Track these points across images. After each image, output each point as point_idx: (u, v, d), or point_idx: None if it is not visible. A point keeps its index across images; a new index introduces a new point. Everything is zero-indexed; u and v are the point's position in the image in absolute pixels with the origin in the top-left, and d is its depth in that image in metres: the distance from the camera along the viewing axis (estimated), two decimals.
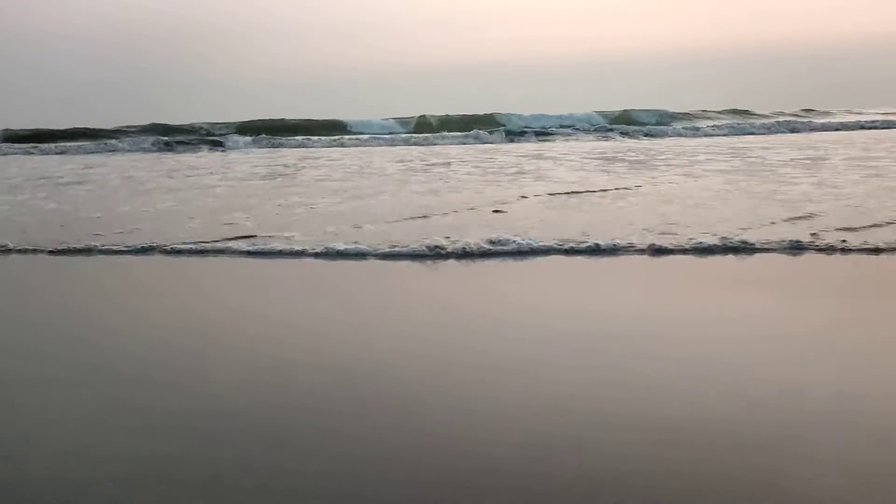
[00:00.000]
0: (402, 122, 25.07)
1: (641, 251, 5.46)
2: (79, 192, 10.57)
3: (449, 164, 13.48)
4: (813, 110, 25.61)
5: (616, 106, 24.08)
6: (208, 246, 6.12)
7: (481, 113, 24.48)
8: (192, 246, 6.15)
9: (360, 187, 10.08)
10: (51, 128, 23.08)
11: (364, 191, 9.65)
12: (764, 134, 19.70)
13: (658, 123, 22.19)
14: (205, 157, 17.38)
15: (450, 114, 25.14)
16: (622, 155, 14.32)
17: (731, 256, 5.29)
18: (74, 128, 22.79)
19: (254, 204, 8.58)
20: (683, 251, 5.41)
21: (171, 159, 16.87)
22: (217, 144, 20.42)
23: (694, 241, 5.57)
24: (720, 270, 5.05)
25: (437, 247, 5.74)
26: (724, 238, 5.55)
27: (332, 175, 12.02)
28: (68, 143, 20.39)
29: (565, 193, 8.44)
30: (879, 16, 48.25)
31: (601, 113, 23.58)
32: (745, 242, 5.46)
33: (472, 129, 22.02)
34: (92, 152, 19.62)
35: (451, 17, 56.32)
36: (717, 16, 52.91)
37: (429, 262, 5.45)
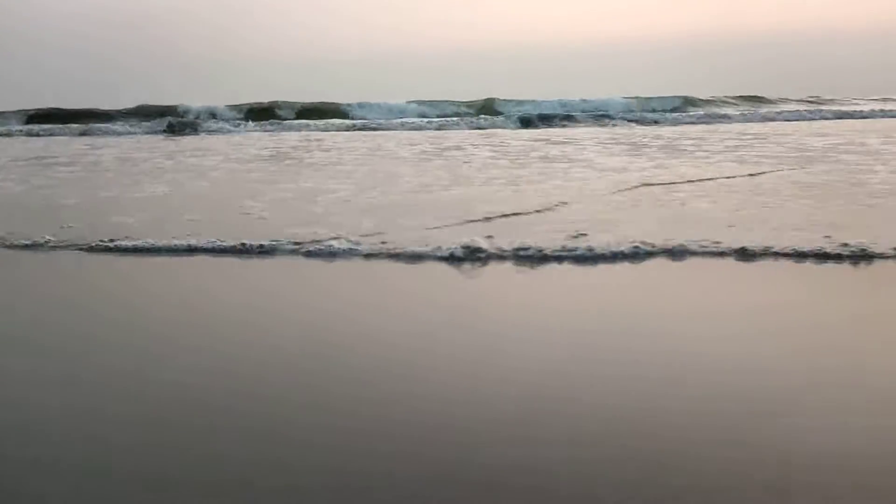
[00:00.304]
0: (404, 107, 23.62)
1: (726, 254, 4.27)
2: (62, 175, 9.19)
3: (464, 149, 12.13)
4: (817, 97, 24.28)
5: (620, 93, 22.64)
6: (204, 243, 4.81)
7: (482, 98, 23.05)
8: (193, 242, 4.83)
9: (376, 174, 8.76)
10: (62, 108, 21.53)
11: (381, 178, 8.33)
12: (788, 121, 18.39)
13: (677, 110, 20.77)
14: (206, 140, 15.96)
15: (449, 99, 23.73)
16: (648, 141, 12.99)
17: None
18: (94, 109, 21.30)
19: (263, 191, 7.25)
20: (775, 255, 4.20)
21: (171, 142, 15.41)
22: (218, 127, 18.90)
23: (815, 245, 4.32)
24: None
25: (476, 249, 4.49)
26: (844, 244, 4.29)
27: (343, 159, 10.66)
28: (79, 126, 18.79)
29: (633, 188, 7.09)
30: (879, 8, 47.03)
31: (608, 100, 22.15)
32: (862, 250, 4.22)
33: (474, 116, 20.70)
34: (100, 135, 17.99)
35: (450, 2, 54.50)
36: (719, 7, 51.52)
37: (465, 266, 4.26)
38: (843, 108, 20.94)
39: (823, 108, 21.36)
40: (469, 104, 22.93)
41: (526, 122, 19.23)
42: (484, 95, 23.51)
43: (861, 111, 20.44)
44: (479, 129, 18.39)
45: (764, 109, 21.25)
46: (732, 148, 10.82)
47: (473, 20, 50.26)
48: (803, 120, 18.77)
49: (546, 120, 19.61)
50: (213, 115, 20.99)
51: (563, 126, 18.58)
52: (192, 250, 4.72)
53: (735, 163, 8.74)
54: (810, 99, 23.75)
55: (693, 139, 12.82)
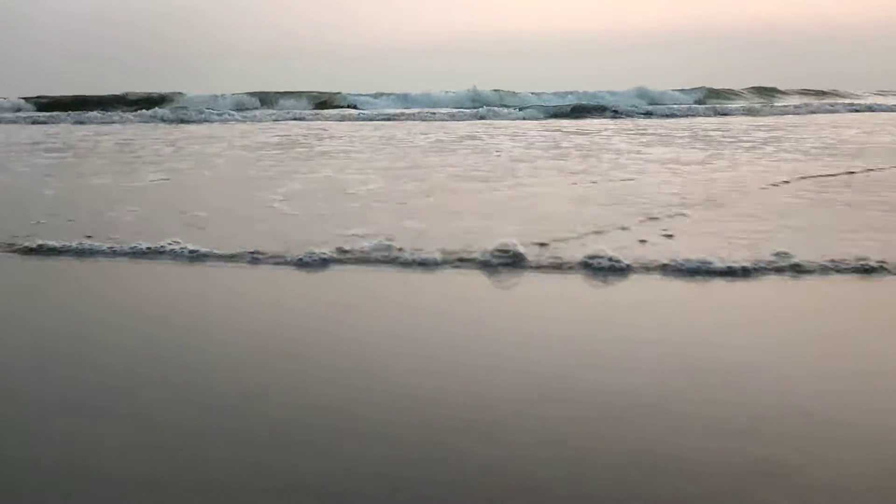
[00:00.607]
0: (400, 97, 22.42)
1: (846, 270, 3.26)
2: (48, 162, 8.02)
3: (481, 138, 11.00)
4: (821, 91, 23.21)
5: (631, 84, 21.44)
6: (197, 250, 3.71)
7: (491, 89, 21.85)
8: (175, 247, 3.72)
9: (399, 163, 7.64)
10: (69, 95, 20.23)
11: (408, 168, 7.21)
12: (796, 114, 17.25)
13: (700, 102, 19.58)
14: (209, 128, 14.77)
15: (449, 90, 22.52)
16: (675, 132, 11.88)
17: None
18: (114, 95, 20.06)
19: (281, 182, 6.12)
20: None
21: (173, 129, 14.20)
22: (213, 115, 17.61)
23: None
24: None
25: (514, 253, 3.46)
26: None
27: (357, 147, 9.50)
28: (83, 113, 17.42)
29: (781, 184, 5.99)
30: (879, 6, 45.93)
31: (614, 92, 20.97)
32: None
33: (481, 107, 19.58)
34: (105, 122, 16.50)
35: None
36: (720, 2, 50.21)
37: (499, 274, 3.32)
38: (852, 102, 19.89)
39: (832, 101, 20.29)
40: (470, 95, 21.76)
41: (547, 113, 18.04)
42: (489, 87, 22.39)
43: (871, 105, 19.46)
44: (482, 118, 17.17)
45: (780, 102, 20.16)
46: (774, 140, 9.74)
47: (474, 14, 48.98)
48: (812, 113, 17.72)
49: (556, 112, 18.44)
50: (208, 105, 19.73)
51: (581, 118, 17.38)
52: (157, 253, 3.59)
53: (798, 154, 7.66)
54: (817, 91, 22.64)
55: (722, 131, 11.75)
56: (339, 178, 6.27)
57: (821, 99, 20.93)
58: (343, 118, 17.73)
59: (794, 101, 20.43)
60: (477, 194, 5.38)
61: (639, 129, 12.45)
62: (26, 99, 19.94)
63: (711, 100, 20.13)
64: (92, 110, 17.78)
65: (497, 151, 8.58)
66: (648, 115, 17.53)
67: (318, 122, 16.72)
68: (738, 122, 14.30)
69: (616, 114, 17.88)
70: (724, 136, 10.45)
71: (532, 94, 21.80)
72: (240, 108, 19.43)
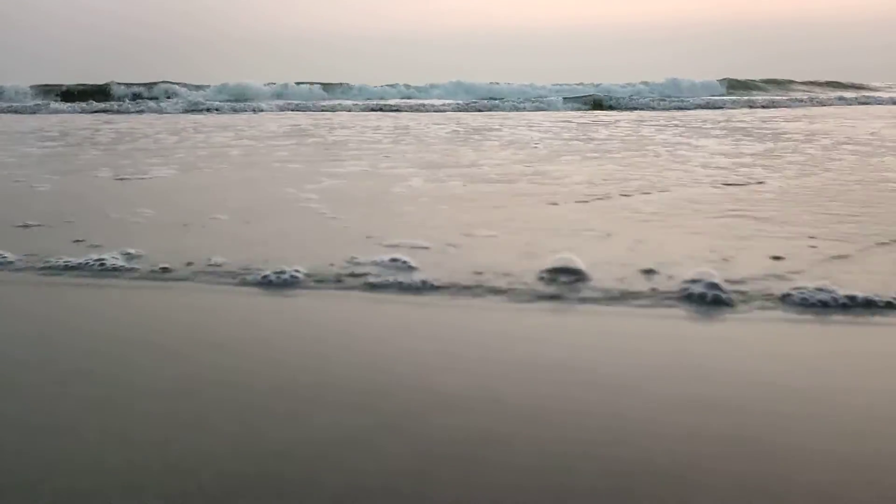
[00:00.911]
0: (402, 88, 21.64)
1: None
2: (35, 152, 7.16)
3: (499, 129, 10.18)
4: (837, 82, 22.44)
5: (633, 78, 20.65)
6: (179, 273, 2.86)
7: (495, 82, 21.09)
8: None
9: (431, 155, 6.81)
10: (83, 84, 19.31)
11: (446, 161, 6.38)
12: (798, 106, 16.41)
13: (722, 95, 18.77)
14: (209, 117, 13.90)
15: (452, 81, 21.76)
16: (691, 123, 11.08)
17: None
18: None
19: (308, 178, 5.28)
20: None
21: (177, 119, 13.30)
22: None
23: None
24: None
25: (564, 268, 2.66)
26: None
27: (373, 137, 8.65)
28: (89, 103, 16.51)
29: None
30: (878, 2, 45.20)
31: (619, 84, 20.18)
32: None
33: (488, 98, 18.80)
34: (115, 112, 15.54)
35: None
36: None
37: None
38: (873, 95, 19.17)
39: (852, 94, 19.53)
40: (474, 87, 21.04)
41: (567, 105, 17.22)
42: (493, 80, 21.67)
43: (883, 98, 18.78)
44: (479, 111, 16.28)
45: (797, 94, 19.40)
46: (821, 132, 8.97)
47: (477, 8, 48.02)
48: (827, 106, 16.97)
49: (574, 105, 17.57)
50: (206, 96, 18.84)
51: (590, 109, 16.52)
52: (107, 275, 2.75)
53: (868, 147, 6.85)
54: (830, 83, 21.92)
55: (748, 122, 10.96)
56: (376, 173, 5.43)
57: (836, 91, 20.20)
58: (340, 108, 16.93)
59: (811, 92, 19.69)
60: (541, 205, 4.53)
61: (652, 120, 11.70)
62: (34, 87, 19.08)
63: (736, 91, 19.34)
64: (89, 100, 16.94)
65: (534, 143, 7.75)
66: (649, 109, 16.65)
67: (319, 112, 15.93)
68: (759, 113, 13.52)
69: (619, 107, 17.04)
70: (757, 128, 9.68)
71: (542, 86, 21.08)
72: (239, 98, 18.64)
